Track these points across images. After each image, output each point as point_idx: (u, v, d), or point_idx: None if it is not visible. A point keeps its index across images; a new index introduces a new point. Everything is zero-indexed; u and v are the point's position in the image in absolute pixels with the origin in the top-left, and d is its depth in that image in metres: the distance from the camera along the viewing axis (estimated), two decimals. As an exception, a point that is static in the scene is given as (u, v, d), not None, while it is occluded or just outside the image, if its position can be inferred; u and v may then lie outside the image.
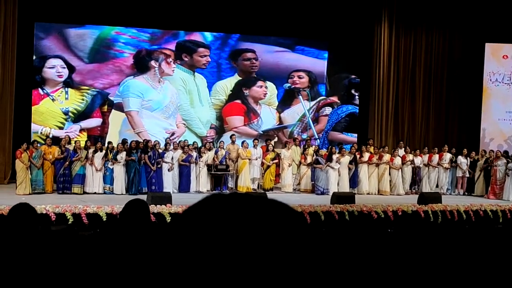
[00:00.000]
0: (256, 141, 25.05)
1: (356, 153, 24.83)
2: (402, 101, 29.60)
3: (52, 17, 25.50)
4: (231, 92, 28.60)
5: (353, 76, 29.83)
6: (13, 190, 21.27)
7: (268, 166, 24.42)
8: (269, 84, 29.01)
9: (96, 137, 25.67)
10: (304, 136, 28.48)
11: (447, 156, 25.78)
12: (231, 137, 25.61)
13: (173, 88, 27.81)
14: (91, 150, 22.37)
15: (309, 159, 24.32)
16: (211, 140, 26.58)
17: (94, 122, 26.95)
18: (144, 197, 18.36)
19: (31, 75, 25.60)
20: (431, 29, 29.81)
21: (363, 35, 29.31)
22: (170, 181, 22.92)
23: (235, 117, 28.65)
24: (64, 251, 5.35)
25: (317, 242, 1.42)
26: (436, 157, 25.72)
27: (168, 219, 16.96)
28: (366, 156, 24.93)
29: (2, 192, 20.39)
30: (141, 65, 27.38)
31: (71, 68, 26.49)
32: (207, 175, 23.74)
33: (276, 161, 24.59)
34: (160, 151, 23.17)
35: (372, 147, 25.80)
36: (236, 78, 28.66)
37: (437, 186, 25.64)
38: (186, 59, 27.91)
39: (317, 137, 29.30)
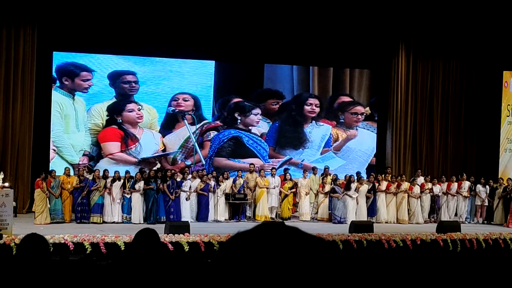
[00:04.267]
0: (274, 170, 25.03)
1: (374, 181, 24.77)
2: (420, 130, 29.54)
3: (70, 45, 25.67)
4: (108, 117, 26.74)
5: (238, 100, 28.36)
6: (31, 220, 21.34)
7: (286, 195, 24.38)
8: (150, 107, 27.22)
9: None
10: (188, 162, 27.26)
11: (466, 184, 25.67)
12: (249, 166, 25.60)
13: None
14: (109, 180, 22.45)
15: (327, 188, 24.28)
16: (83, 167, 24.50)
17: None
18: (162, 226, 18.44)
19: (50, 104, 25.72)
20: (448, 58, 29.78)
21: (380, 65, 29.36)
22: (188, 210, 22.92)
23: (111, 143, 26.64)
24: (82, 281, 5.36)
25: (348, 273, 1.49)
26: (455, 186, 25.59)
27: (186, 248, 16.94)
28: (384, 184, 24.86)
29: (21, 222, 20.41)
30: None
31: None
32: (225, 204, 23.73)
33: (294, 190, 24.55)
34: (178, 180, 23.21)
35: (390, 176, 25.74)
36: (113, 101, 26.86)
37: (456, 214, 25.51)
38: (66, 82, 26.18)
39: (204, 162, 27.52)
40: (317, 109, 29.10)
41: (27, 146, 24.65)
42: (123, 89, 26.89)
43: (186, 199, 22.96)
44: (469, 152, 30.26)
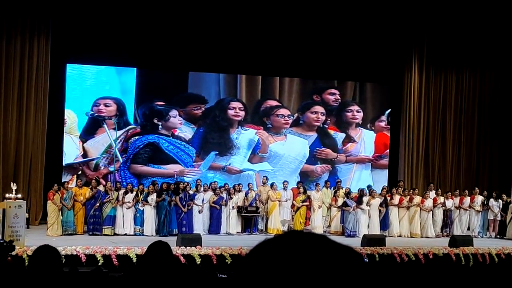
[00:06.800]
0: (286, 183, 24.97)
1: (387, 195, 24.70)
2: (433, 142, 29.43)
3: (84, 58, 25.77)
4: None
5: (160, 103, 27.07)
6: (44, 231, 21.37)
7: (298, 208, 24.31)
8: (69, 111, 26.15)
9: None
10: (112, 168, 26.07)
11: (479, 198, 25.56)
12: (262, 178, 25.54)
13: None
14: (121, 192, 22.48)
15: (340, 201, 24.20)
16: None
17: None
18: (174, 239, 18.45)
19: (63, 116, 25.77)
20: (461, 70, 29.63)
21: (393, 76, 29.29)
22: (200, 222, 22.92)
23: None
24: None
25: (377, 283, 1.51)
26: (467, 200, 25.49)
27: (198, 261, 16.94)
28: (397, 198, 24.76)
29: (34, 233, 20.43)
30: None
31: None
32: (237, 217, 23.72)
33: (307, 203, 24.44)
34: (191, 192, 23.22)
35: (403, 189, 25.64)
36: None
37: (468, 228, 25.40)
38: None
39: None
40: (242, 113, 28.05)
41: (40, 157, 24.70)
42: None
43: (199, 212, 22.98)
44: (482, 166, 30.12)
